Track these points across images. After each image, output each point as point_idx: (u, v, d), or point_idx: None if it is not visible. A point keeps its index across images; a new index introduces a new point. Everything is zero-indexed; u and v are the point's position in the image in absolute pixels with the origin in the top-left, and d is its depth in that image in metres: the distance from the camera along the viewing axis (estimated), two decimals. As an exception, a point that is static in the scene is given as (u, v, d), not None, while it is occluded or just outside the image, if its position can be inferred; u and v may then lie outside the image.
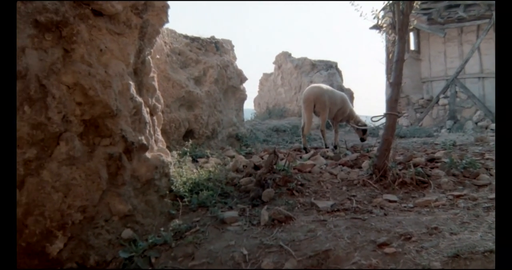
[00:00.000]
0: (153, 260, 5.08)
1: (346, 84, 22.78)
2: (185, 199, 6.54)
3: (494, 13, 20.57)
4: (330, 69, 22.41)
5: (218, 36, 14.50)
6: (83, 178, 5.11)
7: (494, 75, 20.13)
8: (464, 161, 8.20)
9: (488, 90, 23.39)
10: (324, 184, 7.58)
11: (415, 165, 8.11)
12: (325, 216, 5.96)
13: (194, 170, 7.84)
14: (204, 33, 13.95)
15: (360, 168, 8.99)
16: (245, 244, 5.05)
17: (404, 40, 7.99)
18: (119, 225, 5.55)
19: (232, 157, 10.21)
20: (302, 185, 7.31)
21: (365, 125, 13.73)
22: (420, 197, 6.81)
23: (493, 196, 6.28)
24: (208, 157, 9.81)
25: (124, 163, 5.72)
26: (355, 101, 22.27)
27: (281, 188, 7.05)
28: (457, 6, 23.64)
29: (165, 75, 11.07)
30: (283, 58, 24.55)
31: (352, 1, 8.87)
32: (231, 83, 14.15)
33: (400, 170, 7.67)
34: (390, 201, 6.59)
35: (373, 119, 10.23)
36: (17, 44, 4.51)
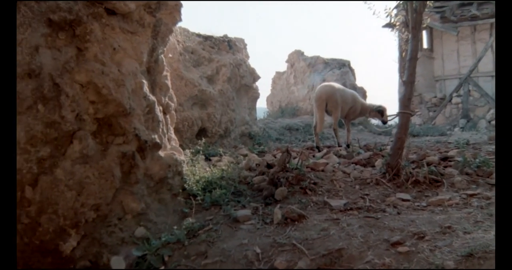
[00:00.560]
0: (166, 258, 5.09)
1: (359, 82, 22.73)
2: (198, 198, 6.54)
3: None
4: (343, 67, 22.34)
5: (231, 34, 14.51)
6: (96, 176, 5.12)
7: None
8: (477, 160, 8.16)
9: (501, 88, 23.20)
10: (337, 182, 7.56)
11: (428, 164, 8.08)
12: (338, 214, 5.94)
13: (207, 169, 7.84)
14: (217, 32, 13.97)
15: (373, 166, 8.96)
16: (258, 242, 5.05)
17: (417, 39, 7.96)
18: (132, 223, 5.56)
19: (245, 156, 10.20)
20: (315, 183, 7.29)
21: (379, 106, 13.55)
22: (433, 195, 6.79)
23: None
24: (221, 155, 9.81)
25: (137, 161, 5.73)
26: (367, 100, 22.20)
27: (294, 186, 7.03)
28: (470, 4, 23.51)
29: (178, 74, 11.08)
30: (296, 57, 24.47)
31: (366, 0, 8.84)
32: (244, 81, 14.16)
33: (413, 169, 7.64)
34: (403, 200, 6.57)
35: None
36: (30, 43, 4.53)
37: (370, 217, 5.67)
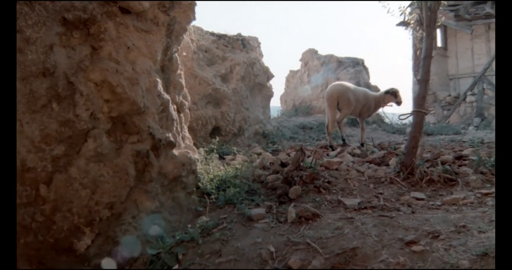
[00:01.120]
0: (180, 256, 5.10)
1: (372, 81, 22.64)
2: (212, 196, 6.55)
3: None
4: (357, 66, 22.26)
5: (245, 33, 14.51)
6: (110, 175, 5.14)
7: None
8: (492, 159, 8.09)
9: (516, 87, 23.10)
10: (351, 181, 7.54)
11: (442, 163, 8.04)
12: (352, 213, 5.93)
13: (221, 167, 7.85)
14: (231, 30, 13.98)
15: (387, 165, 8.93)
16: (272, 241, 5.04)
17: (431, 37, 7.92)
18: (146, 221, 5.57)
19: (259, 154, 10.20)
20: (329, 182, 7.28)
21: (391, 88, 13.36)
22: (448, 194, 6.76)
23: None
24: (235, 154, 9.82)
25: (151, 160, 5.75)
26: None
27: (308, 185, 7.02)
28: (484, 2, 23.39)
29: (192, 72, 11.10)
30: (310, 55, 24.39)
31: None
32: (257, 80, 14.16)
33: (427, 168, 7.61)
34: (417, 199, 6.54)
35: (401, 117, 10.15)
36: (45, 41, 4.56)
37: (385, 216, 5.65)
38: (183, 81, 7.28)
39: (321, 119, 18.06)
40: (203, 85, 11.42)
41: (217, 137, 10.44)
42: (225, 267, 4.71)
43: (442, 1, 8.07)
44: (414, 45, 10.78)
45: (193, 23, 7.68)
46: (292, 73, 26.46)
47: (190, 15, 6.84)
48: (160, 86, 6.04)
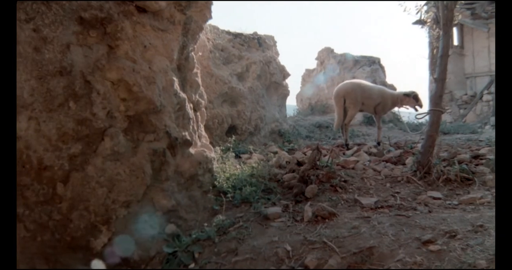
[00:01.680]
0: (196, 255, 5.12)
1: (389, 80, 22.57)
2: (228, 195, 6.56)
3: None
4: (373, 65, 22.19)
5: (261, 32, 14.51)
6: (127, 173, 5.16)
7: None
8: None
9: (533, 86, 22.95)
10: (367, 180, 7.52)
11: (459, 162, 7.99)
12: (368, 212, 5.91)
13: (237, 166, 7.86)
14: (247, 29, 13.98)
15: (403, 164, 8.91)
16: (289, 240, 5.04)
17: (448, 35, 7.89)
18: (162, 220, 5.58)
19: (275, 153, 10.19)
20: (345, 181, 7.27)
21: (412, 92, 13.16)
22: (464, 194, 6.72)
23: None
24: (251, 152, 9.84)
25: (168, 159, 5.76)
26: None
27: (324, 184, 7.01)
28: (501, 0, 23.26)
29: (208, 71, 11.12)
30: (326, 54, 24.34)
31: (397, -1, 8.82)
32: (273, 79, 14.16)
33: (444, 167, 7.56)
34: (434, 198, 6.51)
35: (417, 116, 10.11)
36: (62, 40, 4.59)
37: (401, 215, 5.63)
38: (199, 80, 7.28)
39: (337, 118, 18.07)
40: (219, 84, 11.44)
41: (233, 136, 10.46)
42: (242, 266, 4.72)
43: (458, 0, 8.04)
44: (431, 44, 10.76)
45: (209, 22, 7.70)
46: (308, 72, 26.40)
47: (206, 14, 6.84)
48: (176, 85, 6.05)
